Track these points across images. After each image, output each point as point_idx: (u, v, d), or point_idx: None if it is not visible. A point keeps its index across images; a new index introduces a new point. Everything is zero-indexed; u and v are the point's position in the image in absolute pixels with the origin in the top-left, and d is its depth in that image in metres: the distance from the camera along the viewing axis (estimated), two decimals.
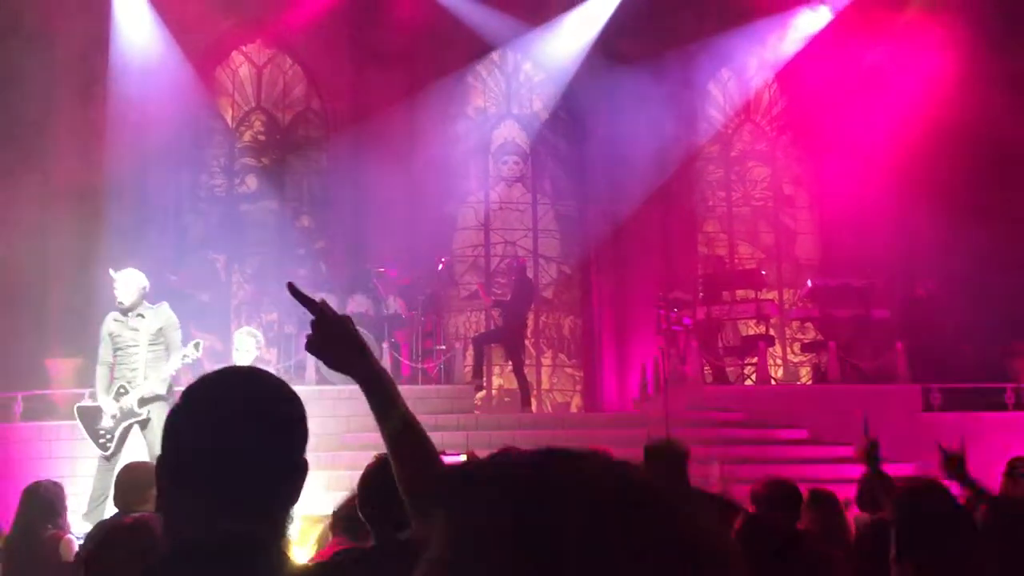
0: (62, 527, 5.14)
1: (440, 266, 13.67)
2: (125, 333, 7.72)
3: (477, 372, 13.12)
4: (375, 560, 2.69)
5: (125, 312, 7.74)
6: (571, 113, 16.01)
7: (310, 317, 1.82)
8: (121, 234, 12.49)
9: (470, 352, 13.34)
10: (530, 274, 14.71)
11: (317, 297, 1.84)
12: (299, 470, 1.47)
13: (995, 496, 4.07)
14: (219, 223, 15.46)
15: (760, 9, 15.32)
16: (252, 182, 15.84)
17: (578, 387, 16.06)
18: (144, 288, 7.83)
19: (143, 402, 7.65)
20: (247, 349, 8.56)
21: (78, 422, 7.92)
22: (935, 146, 13.77)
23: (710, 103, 16.49)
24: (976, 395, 11.60)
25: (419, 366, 12.28)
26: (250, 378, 1.53)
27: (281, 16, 14.88)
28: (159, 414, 7.53)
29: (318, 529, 4.91)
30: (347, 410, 9.36)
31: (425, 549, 0.78)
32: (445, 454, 1.86)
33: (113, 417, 7.68)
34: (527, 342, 14.61)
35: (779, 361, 15.61)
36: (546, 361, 16.11)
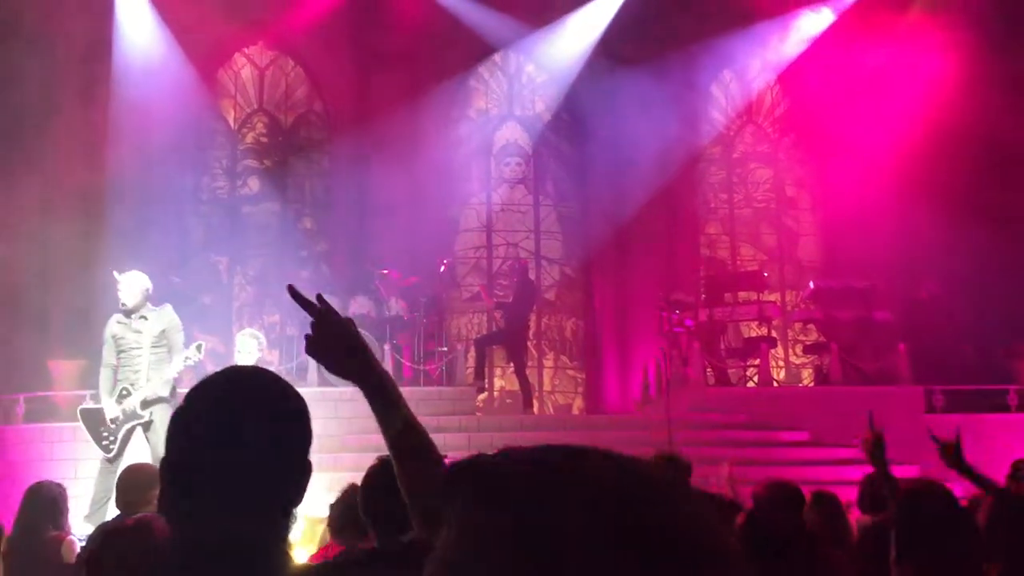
0: (64, 529, 5.14)
1: (442, 268, 13.67)
2: (128, 335, 7.73)
3: (479, 374, 13.11)
4: (378, 561, 2.69)
5: (128, 314, 7.75)
6: (573, 115, 16.01)
7: (311, 319, 1.81)
8: (123, 236, 12.50)
9: (472, 354, 13.34)
10: (532, 276, 14.70)
11: (319, 298, 1.84)
12: (303, 471, 1.47)
13: (1000, 488, 4.05)
14: (221, 225, 15.47)
15: (762, 11, 15.32)
16: (254, 184, 15.85)
17: (580, 389, 16.05)
18: (147, 290, 7.84)
19: (145, 404, 7.65)
20: (249, 351, 8.56)
21: (81, 424, 7.93)
22: (937, 148, 13.76)
23: (712, 105, 16.49)
24: (979, 397, 11.59)
25: (421, 368, 12.28)
26: (254, 379, 1.53)
27: (283, 18, 14.89)
28: (161, 416, 7.54)
29: (320, 530, 4.92)
30: (349, 412, 9.36)
31: (427, 550, 0.78)
32: (448, 458, 1.86)
33: (115, 420, 7.68)
34: (529, 344, 14.60)
35: (781, 363, 15.60)
36: (548, 363, 16.10)
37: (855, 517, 5.05)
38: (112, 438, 7.68)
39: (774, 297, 15.09)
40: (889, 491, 3.79)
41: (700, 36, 14.95)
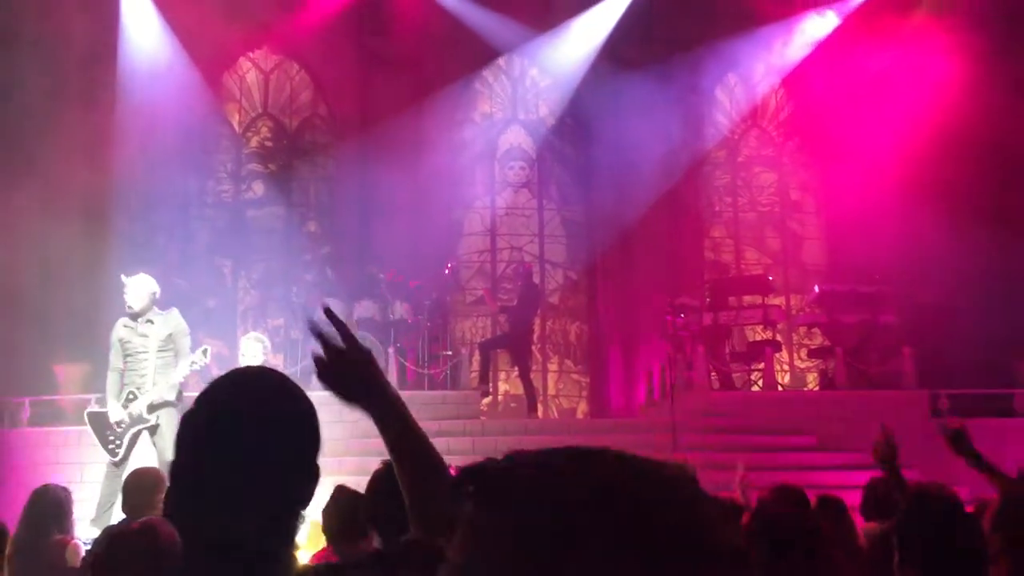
0: (69, 532, 5.14)
1: (447, 271, 13.67)
2: (135, 339, 7.74)
3: (483, 378, 13.11)
4: (381, 563, 2.69)
5: (135, 318, 7.76)
6: (577, 118, 16.02)
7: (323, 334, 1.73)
8: (128, 239, 12.53)
9: (476, 358, 13.34)
10: (536, 279, 14.70)
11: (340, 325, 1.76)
12: (311, 474, 1.47)
13: (1010, 479, 4.04)
14: (226, 229, 15.49)
15: (767, 14, 15.31)
16: (259, 188, 15.87)
17: (584, 393, 16.04)
18: (154, 294, 7.85)
19: (152, 408, 7.66)
20: (254, 354, 8.57)
21: (88, 427, 7.93)
22: (942, 151, 13.73)
23: (716, 108, 16.48)
24: (984, 401, 11.56)
25: (425, 371, 12.28)
26: (263, 382, 1.53)
27: (288, 22, 14.92)
28: (168, 420, 7.55)
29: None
30: (353, 415, 9.29)
31: (425, 550, 0.78)
32: (453, 467, 1.86)
33: (121, 423, 7.69)
34: (533, 348, 14.60)
35: (786, 367, 15.58)
36: (552, 367, 16.10)
37: (860, 524, 5.03)
38: (118, 442, 7.69)
39: (779, 301, 15.06)
40: (902, 497, 3.78)
41: (704, 40, 14.95)
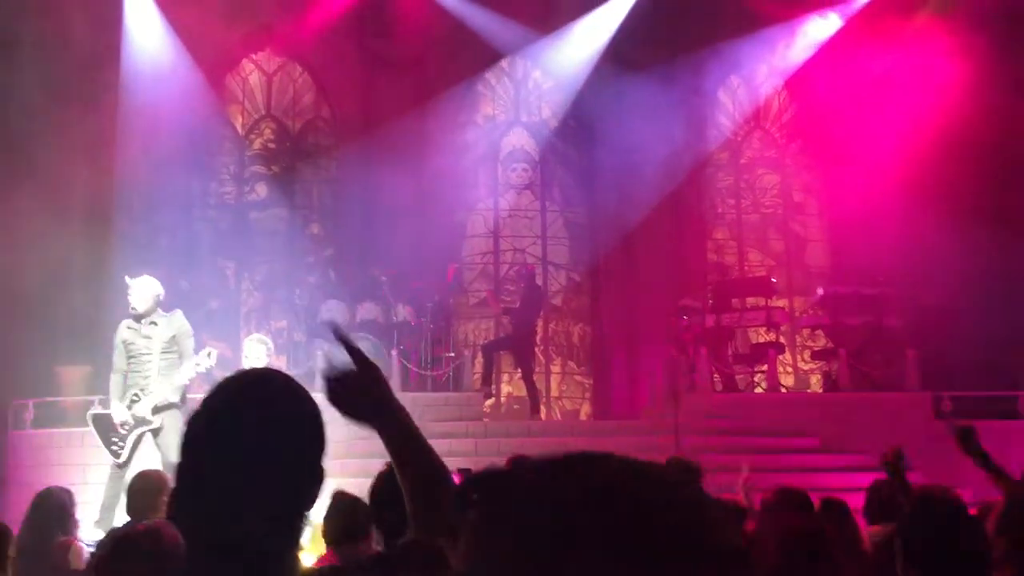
0: (72, 534, 5.15)
1: (449, 277, 13.65)
2: (138, 341, 7.74)
3: (486, 379, 13.12)
4: (383, 565, 2.69)
5: (138, 319, 7.76)
6: (580, 120, 16.02)
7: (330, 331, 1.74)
8: (131, 241, 12.54)
9: (479, 359, 13.34)
10: (539, 281, 14.71)
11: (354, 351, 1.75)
12: (316, 476, 1.47)
13: (1017, 481, 4.04)
14: (229, 230, 15.50)
15: (770, 16, 15.31)
16: (262, 190, 15.88)
17: (587, 395, 16.04)
18: (158, 296, 7.84)
19: (156, 410, 7.66)
20: (257, 356, 8.57)
21: (92, 429, 7.93)
22: (945, 152, 13.73)
23: (719, 110, 16.48)
24: (987, 403, 11.55)
25: (428, 373, 12.29)
26: (269, 384, 1.52)
27: (291, 24, 14.94)
28: (171, 422, 7.55)
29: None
30: None
31: (424, 550, 0.78)
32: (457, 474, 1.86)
33: (125, 424, 7.69)
34: (536, 349, 14.60)
35: (789, 369, 15.57)
36: (555, 368, 16.10)
37: (863, 527, 5.02)
38: (122, 443, 7.69)
39: (782, 303, 15.05)
40: (906, 500, 3.78)
41: (707, 42, 14.96)
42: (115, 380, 7.86)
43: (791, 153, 16.80)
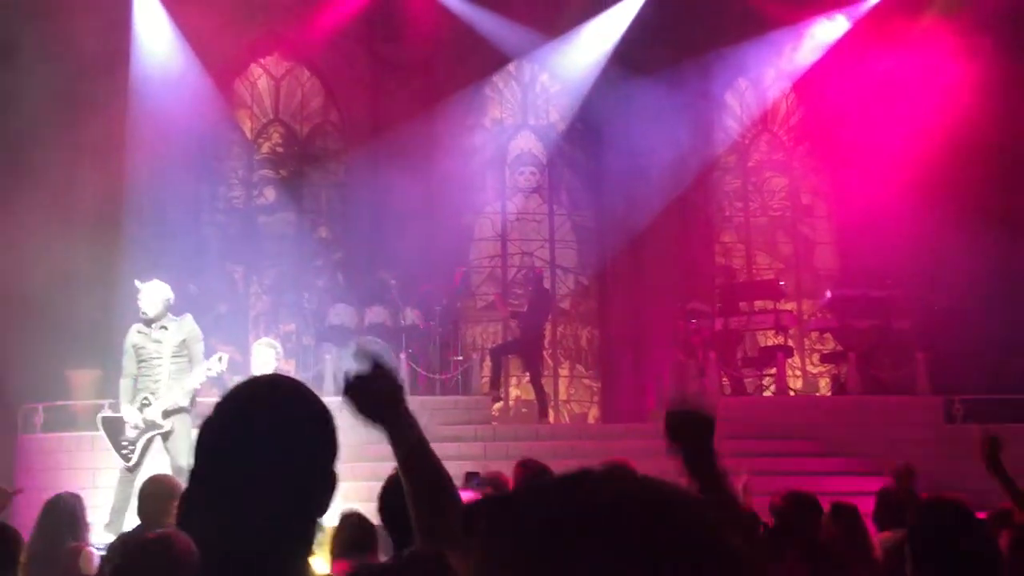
0: (83, 539, 5.16)
1: (457, 281, 13.66)
2: (148, 345, 7.76)
3: (494, 383, 13.11)
4: (394, 574, 2.70)
5: (148, 323, 7.78)
6: (588, 124, 16.02)
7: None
8: (140, 245, 12.57)
9: (487, 363, 13.34)
10: (547, 285, 14.70)
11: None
12: (329, 482, 1.47)
13: None
14: (237, 235, 15.53)
15: (777, 19, 15.29)
16: (270, 194, 15.91)
17: (595, 398, 16.03)
18: (168, 300, 7.86)
19: (166, 414, 7.68)
20: (266, 360, 8.59)
21: (102, 432, 7.96)
22: (953, 153, 13.69)
23: (727, 113, 16.46)
24: (998, 406, 11.49)
25: (436, 377, 12.29)
26: (282, 389, 1.53)
27: (299, 28, 14.97)
28: (181, 426, 7.57)
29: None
30: None
31: (426, 560, 0.79)
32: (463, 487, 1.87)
33: (136, 428, 7.71)
34: (544, 353, 14.60)
35: (798, 372, 15.53)
36: (563, 372, 16.09)
37: (873, 532, 5.01)
38: (132, 447, 7.71)
39: (790, 306, 15.03)
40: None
41: (715, 45, 14.95)
42: (125, 384, 7.88)
43: (799, 156, 16.77)
